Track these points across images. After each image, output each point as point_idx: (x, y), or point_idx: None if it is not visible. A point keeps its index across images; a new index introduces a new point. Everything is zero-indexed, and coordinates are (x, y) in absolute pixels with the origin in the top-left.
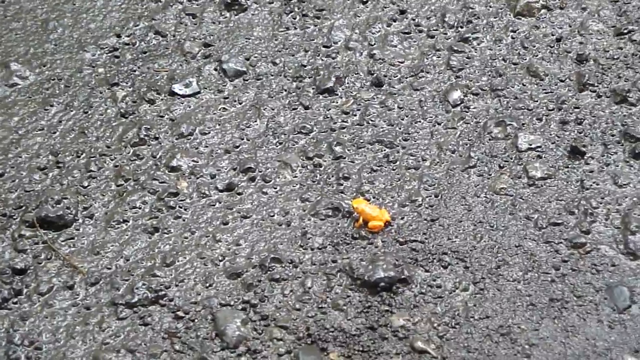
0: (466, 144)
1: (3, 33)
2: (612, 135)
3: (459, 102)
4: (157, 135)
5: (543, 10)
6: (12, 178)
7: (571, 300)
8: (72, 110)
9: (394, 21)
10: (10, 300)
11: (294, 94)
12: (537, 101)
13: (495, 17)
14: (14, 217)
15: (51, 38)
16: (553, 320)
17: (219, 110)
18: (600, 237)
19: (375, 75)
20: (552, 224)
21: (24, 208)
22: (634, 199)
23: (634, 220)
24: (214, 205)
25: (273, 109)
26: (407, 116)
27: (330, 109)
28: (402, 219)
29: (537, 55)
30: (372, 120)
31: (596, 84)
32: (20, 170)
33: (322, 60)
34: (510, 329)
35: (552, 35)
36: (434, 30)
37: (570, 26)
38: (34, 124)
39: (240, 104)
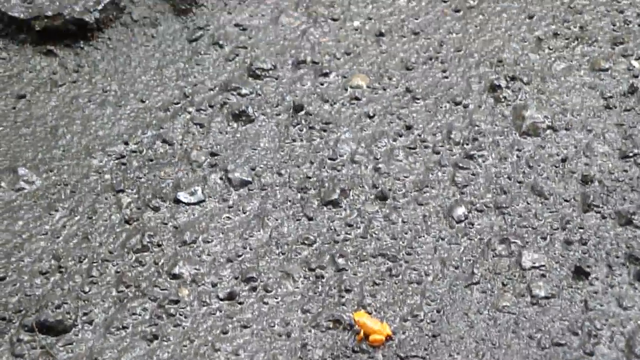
0: (469, 260)
1: (12, 138)
2: (617, 257)
3: (463, 218)
4: (160, 242)
5: (549, 131)
6: (13, 282)
7: None
8: (76, 216)
9: (400, 136)
10: None
11: (298, 204)
12: (541, 220)
13: (500, 136)
14: (14, 321)
15: (59, 144)
16: None
17: (223, 219)
18: (604, 359)
19: (380, 188)
20: (555, 344)
21: (23, 312)
22: (639, 322)
23: (639, 344)
24: (214, 314)
25: (277, 219)
26: (410, 230)
27: (334, 221)
28: (403, 333)
29: (542, 175)
30: (375, 234)
31: (601, 205)
32: (22, 274)
33: (328, 172)
34: None
35: (558, 155)
36: (439, 146)
37: (575, 147)
38: (38, 229)
39: (244, 213)
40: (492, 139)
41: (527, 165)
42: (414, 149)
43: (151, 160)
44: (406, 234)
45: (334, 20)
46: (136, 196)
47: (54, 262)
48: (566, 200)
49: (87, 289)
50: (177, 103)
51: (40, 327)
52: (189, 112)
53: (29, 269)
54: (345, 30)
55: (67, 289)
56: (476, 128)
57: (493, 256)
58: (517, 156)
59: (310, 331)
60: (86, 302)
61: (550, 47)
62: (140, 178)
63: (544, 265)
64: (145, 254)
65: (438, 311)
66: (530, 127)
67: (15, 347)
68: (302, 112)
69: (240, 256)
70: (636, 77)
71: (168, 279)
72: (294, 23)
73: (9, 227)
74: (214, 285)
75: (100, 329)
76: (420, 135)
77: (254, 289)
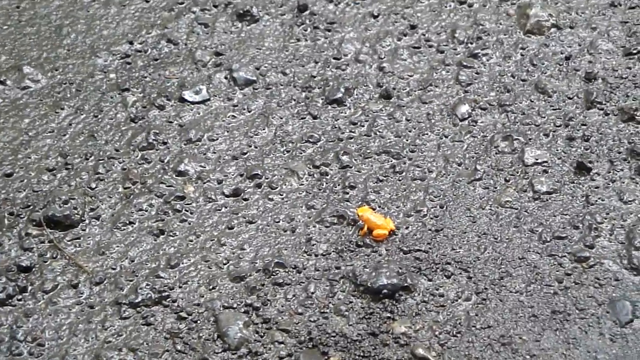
0: (472, 157)
1: (17, 37)
2: (619, 153)
3: (467, 116)
4: (166, 140)
5: (553, 29)
6: (20, 178)
7: (573, 313)
8: (82, 114)
9: (405, 35)
10: (14, 297)
11: (302, 103)
12: (544, 117)
13: (505, 35)
14: (22, 216)
15: (64, 43)
16: (555, 332)
17: (228, 117)
18: (604, 252)
19: (384, 87)
20: (556, 237)
21: (31, 207)
22: (639, 215)
23: (639, 236)
24: (219, 210)
25: (281, 118)
26: (414, 128)
27: (338, 119)
28: (406, 228)
29: (545, 73)
30: (379, 132)
31: (604, 102)
32: (29, 171)
33: (332, 71)
34: (512, 339)
35: (562, 53)
36: (443, 45)
37: (579, 45)
38: (44, 126)
39: (249, 112)
40: (497, 38)
41: (530, 64)
42: (418, 48)
43: (156, 60)
44: (410, 131)
45: None
46: (141, 95)
47: (60, 159)
48: (569, 98)
49: (93, 185)
50: (182, 3)
51: (48, 222)
52: (193, 12)
53: (35, 165)
54: None
55: (74, 185)
56: (480, 27)
57: (496, 153)
58: (521, 54)
59: (314, 226)
60: (93, 198)
61: None
62: (145, 77)
63: (546, 161)
64: (151, 151)
65: (441, 207)
66: (535, 26)
67: (24, 241)
68: (307, 12)
69: (245, 154)
70: None
71: (174, 176)
72: None
73: (16, 125)
74: (219, 182)
75: (107, 224)
76: (424, 35)
77: (258, 185)
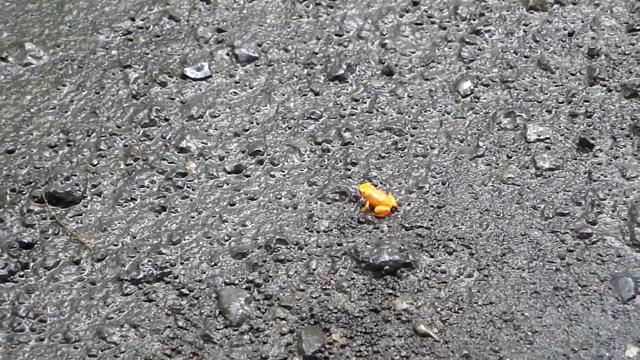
0: (475, 134)
1: (19, 14)
2: (622, 129)
3: (469, 93)
4: (168, 117)
5: (556, 5)
6: (22, 155)
7: (575, 290)
8: (84, 91)
9: (407, 12)
10: (16, 273)
11: (304, 80)
12: (547, 94)
13: (507, 11)
14: (23, 192)
15: (66, 20)
16: (557, 308)
17: (230, 94)
18: (607, 228)
19: (386, 64)
20: (559, 214)
21: (33, 184)
22: None
23: None
24: (221, 187)
25: (283, 95)
26: (416, 105)
27: (340, 96)
28: (408, 205)
29: (548, 49)
30: (381, 108)
31: (607, 79)
32: (31, 147)
33: (334, 48)
34: (514, 315)
35: (564, 29)
36: (446, 22)
37: (582, 21)
38: (46, 103)
39: (251, 88)
40: (499, 14)
41: (533, 40)
42: (421, 24)
43: (158, 37)
44: (412, 108)
45: None
46: (143, 71)
47: (62, 135)
48: (572, 74)
49: (95, 161)
50: None
51: (49, 198)
52: None
53: (37, 142)
54: None
55: (75, 161)
56: (483, 3)
57: (498, 129)
58: (524, 31)
59: (316, 203)
60: (95, 174)
61: None
62: (147, 54)
63: (548, 138)
64: (153, 128)
65: (443, 183)
66: (538, 2)
67: (26, 217)
68: None
69: (247, 130)
70: None
71: (175, 153)
72: None
73: (17, 101)
74: (221, 158)
75: (108, 200)
76: (426, 11)
77: (260, 162)
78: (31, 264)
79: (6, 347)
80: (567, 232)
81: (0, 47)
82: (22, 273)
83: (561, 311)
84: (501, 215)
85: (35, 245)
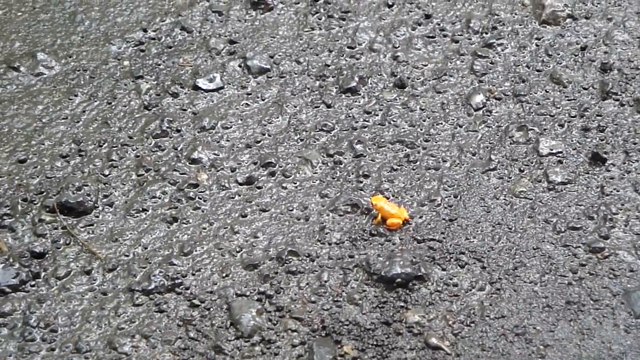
0: (487, 147)
1: (32, 24)
2: (634, 144)
3: (481, 106)
4: (179, 128)
5: (568, 20)
6: (34, 164)
7: (588, 304)
8: (96, 101)
9: (419, 25)
10: (28, 282)
11: (316, 92)
12: (559, 108)
13: (520, 25)
14: (35, 202)
15: (78, 30)
16: (569, 322)
17: (242, 105)
18: (619, 243)
19: (398, 77)
20: (571, 228)
21: (45, 194)
22: None
23: None
24: (233, 198)
25: (295, 107)
26: (428, 118)
27: (352, 108)
28: (420, 217)
29: (561, 63)
30: (393, 121)
31: (619, 93)
32: (43, 157)
33: (346, 60)
34: (526, 329)
35: (577, 44)
36: (458, 35)
37: (595, 36)
38: (57, 113)
39: (263, 100)
40: (512, 28)
41: (546, 54)
42: (433, 37)
43: (170, 48)
44: (424, 121)
45: None
46: (155, 82)
47: (74, 145)
48: (585, 88)
49: (107, 172)
50: None
51: (61, 208)
52: (208, 0)
53: (49, 152)
54: None
55: (87, 172)
56: (496, 17)
57: (510, 143)
58: (537, 45)
59: (328, 215)
60: (106, 185)
61: None
62: (159, 65)
63: (561, 152)
64: (165, 139)
65: (455, 196)
66: (550, 16)
67: (37, 227)
68: (321, 1)
69: (259, 142)
70: None
71: (187, 164)
72: None
73: (29, 111)
74: (232, 170)
75: (120, 211)
76: (439, 24)
77: (272, 174)
78: (42, 274)
79: (17, 356)
80: (579, 246)
81: (12, 57)
82: (33, 283)
83: (573, 325)
84: (513, 228)
85: (47, 255)
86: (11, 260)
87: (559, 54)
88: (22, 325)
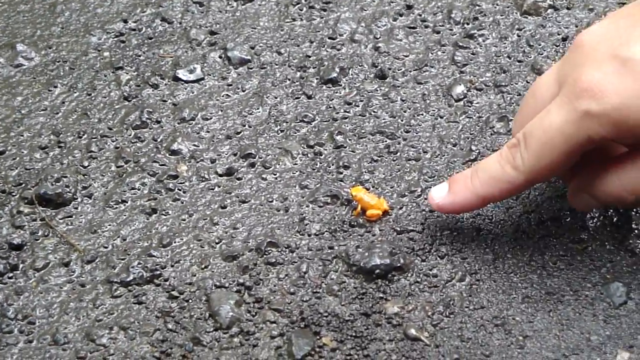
0: (468, 138)
1: (11, 15)
2: None
3: (462, 97)
4: (159, 119)
5: (550, 10)
6: (13, 156)
7: (567, 295)
8: (75, 92)
9: (400, 16)
10: (5, 274)
11: (297, 83)
12: None
13: (501, 15)
14: (13, 193)
15: (58, 21)
16: (548, 313)
17: (222, 96)
18: (599, 234)
19: (379, 67)
20: (552, 218)
21: (23, 185)
22: None
23: (634, 218)
24: (212, 189)
25: (276, 97)
26: (409, 109)
27: (333, 99)
28: (400, 209)
29: (542, 54)
30: (374, 112)
31: None
32: (22, 149)
33: (327, 51)
34: (505, 320)
35: (558, 34)
36: (439, 25)
37: (576, 26)
38: (37, 104)
39: (243, 91)
40: (493, 19)
41: (527, 45)
42: (414, 28)
43: (150, 39)
44: (405, 112)
45: None
46: (135, 73)
47: (53, 137)
48: None
49: (86, 163)
50: None
51: (40, 199)
52: None
53: (28, 143)
54: None
55: (66, 163)
56: (477, 7)
57: (491, 134)
58: (518, 35)
59: (308, 206)
60: (85, 176)
61: None
62: (140, 56)
63: None
64: (144, 130)
65: None
66: (532, 7)
67: (16, 218)
68: None
69: (239, 133)
70: None
71: (167, 155)
72: None
73: (8, 103)
74: (212, 161)
75: (99, 202)
76: (420, 15)
77: (252, 165)
78: (20, 266)
79: None
80: (559, 237)
81: None
82: (11, 275)
83: (552, 316)
84: (493, 219)
85: (25, 247)
86: None
87: (540, 45)
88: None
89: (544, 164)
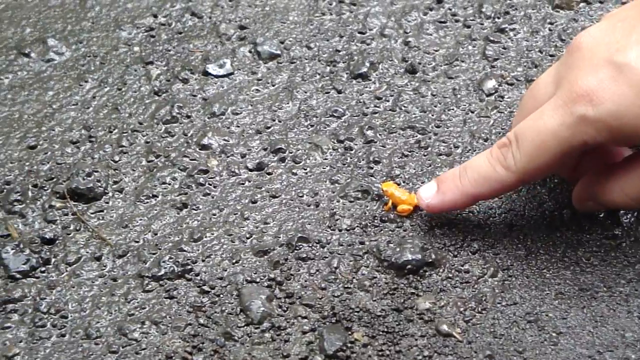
0: (499, 133)
1: (42, 10)
2: None
3: (494, 92)
4: (189, 114)
5: (582, 4)
6: (44, 150)
7: (601, 291)
8: (106, 87)
9: (431, 10)
10: (38, 269)
11: (327, 78)
12: None
13: (533, 9)
14: (45, 188)
15: (88, 16)
16: (582, 309)
17: (252, 91)
18: (633, 229)
19: (409, 62)
20: (584, 215)
21: (55, 180)
22: None
23: None
24: (243, 184)
25: (306, 92)
26: (440, 103)
27: (363, 94)
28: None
29: None
30: (404, 107)
31: None
32: (53, 143)
33: (357, 46)
34: (538, 316)
35: None
36: (470, 20)
37: None
38: (68, 99)
39: (273, 86)
40: (524, 13)
41: (559, 39)
42: (445, 22)
43: (180, 33)
44: (436, 107)
45: None
46: (165, 68)
47: (84, 131)
48: None
49: (117, 158)
50: None
51: (71, 194)
52: None
53: (59, 138)
54: None
55: (97, 158)
56: (508, 2)
57: None
58: (549, 29)
59: (338, 201)
60: (116, 170)
61: None
62: (169, 50)
63: None
64: (175, 125)
65: None
66: (564, 1)
67: (48, 213)
68: None
69: (269, 128)
70: None
71: (197, 150)
72: None
73: (40, 97)
74: (242, 156)
75: (130, 197)
76: (451, 9)
77: (282, 160)
78: (53, 260)
79: (28, 342)
80: (593, 233)
81: (23, 43)
82: (43, 269)
83: (586, 312)
84: (525, 215)
85: (57, 241)
86: (21, 246)
87: (572, 39)
88: (32, 312)
89: (536, 165)
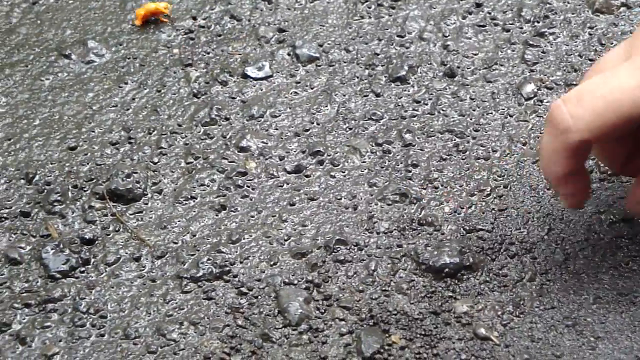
0: (538, 137)
1: (82, 12)
2: None
3: (533, 96)
4: (228, 116)
5: (622, 8)
6: (84, 151)
7: None
8: (145, 89)
9: (470, 14)
10: (77, 269)
11: (365, 81)
12: None
13: (572, 13)
14: (85, 189)
15: (128, 18)
16: (620, 314)
17: (291, 94)
18: None
19: (448, 66)
20: (623, 220)
21: (94, 181)
22: None
23: None
24: (281, 186)
25: (344, 95)
26: (478, 107)
27: (401, 97)
28: (469, 207)
29: None
30: (443, 110)
31: None
32: (93, 145)
33: (396, 49)
34: (576, 320)
35: (631, 32)
36: (509, 24)
37: None
38: (107, 100)
39: (311, 89)
40: (564, 17)
41: (599, 43)
42: (484, 26)
43: (219, 36)
44: (474, 110)
45: None
46: (204, 70)
47: (123, 133)
48: None
49: (156, 159)
50: None
51: (110, 195)
52: None
53: (99, 139)
54: None
55: (136, 159)
56: (547, 6)
57: None
58: (589, 34)
59: (376, 204)
60: (155, 172)
61: None
62: (209, 53)
63: None
64: (214, 127)
65: (505, 186)
66: (604, 5)
67: (87, 213)
68: None
69: (307, 130)
70: None
71: (236, 152)
72: None
73: (80, 99)
74: (281, 158)
75: (169, 198)
76: (490, 13)
77: (320, 162)
78: (92, 260)
79: (67, 342)
80: (631, 238)
81: (63, 45)
82: (83, 269)
83: (624, 317)
84: (564, 219)
85: (97, 242)
86: (61, 246)
87: (612, 43)
88: (72, 311)
89: (602, 122)
